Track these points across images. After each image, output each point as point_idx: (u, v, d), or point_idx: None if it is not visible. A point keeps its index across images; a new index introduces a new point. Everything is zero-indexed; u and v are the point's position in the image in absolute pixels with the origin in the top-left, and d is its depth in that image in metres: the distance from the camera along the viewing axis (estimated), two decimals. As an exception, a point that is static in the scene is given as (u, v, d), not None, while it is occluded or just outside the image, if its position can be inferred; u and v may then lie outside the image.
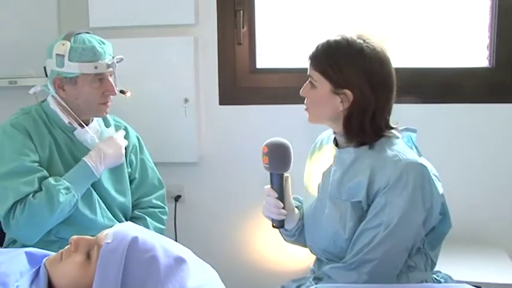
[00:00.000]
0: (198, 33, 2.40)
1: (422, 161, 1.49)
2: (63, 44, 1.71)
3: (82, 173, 1.73)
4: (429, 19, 2.38)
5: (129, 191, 1.96)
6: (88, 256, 1.14)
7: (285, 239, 1.79)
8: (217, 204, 2.54)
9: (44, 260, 1.18)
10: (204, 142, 2.49)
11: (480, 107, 2.34)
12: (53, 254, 1.23)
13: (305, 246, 1.73)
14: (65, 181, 1.69)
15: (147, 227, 1.97)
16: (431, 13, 2.37)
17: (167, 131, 2.35)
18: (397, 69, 1.55)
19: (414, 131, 1.60)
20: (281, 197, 1.58)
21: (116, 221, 1.88)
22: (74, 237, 1.16)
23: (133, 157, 1.98)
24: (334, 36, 1.53)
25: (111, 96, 1.83)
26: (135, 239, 1.10)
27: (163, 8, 2.29)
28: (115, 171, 1.90)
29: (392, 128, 1.56)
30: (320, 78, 1.51)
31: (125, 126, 1.99)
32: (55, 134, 1.79)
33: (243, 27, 2.38)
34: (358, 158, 1.53)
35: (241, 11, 2.37)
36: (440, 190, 1.49)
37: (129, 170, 1.97)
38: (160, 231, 2.03)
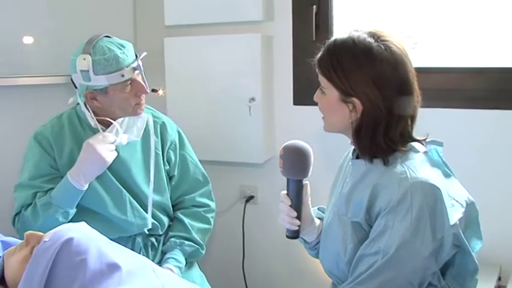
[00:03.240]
0: (272, 30, 2.32)
1: (441, 182, 1.26)
2: (84, 59, 1.66)
3: (64, 187, 1.73)
4: None
5: (167, 189, 1.93)
6: (31, 252, 1.15)
7: (308, 253, 1.66)
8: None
9: (5, 250, 1.23)
10: (277, 143, 2.41)
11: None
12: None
13: None
14: (46, 197, 1.74)
15: (186, 229, 1.93)
16: None
17: (232, 130, 2.30)
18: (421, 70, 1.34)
19: (440, 144, 1.35)
20: (296, 205, 1.45)
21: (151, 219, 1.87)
22: (27, 232, 1.19)
23: (171, 154, 1.93)
24: (343, 34, 1.34)
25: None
26: (69, 241, 1.09)
27: (234, 5, 2.26)
28: (149, 170, 1.86)
29: (415, 140, 1.35)
30: (327, 84, 1.34)
31: (163, 122, 1.93)
32: (84, 137, 1.78)
33: (317, 24, 2.25)
34: (368, 172, 1.35)
35: (316, 7, 2.23)
36: (453, 220, 1.24)
37: (167, 167, 1.93)
38: (205, 232, 1.98)
